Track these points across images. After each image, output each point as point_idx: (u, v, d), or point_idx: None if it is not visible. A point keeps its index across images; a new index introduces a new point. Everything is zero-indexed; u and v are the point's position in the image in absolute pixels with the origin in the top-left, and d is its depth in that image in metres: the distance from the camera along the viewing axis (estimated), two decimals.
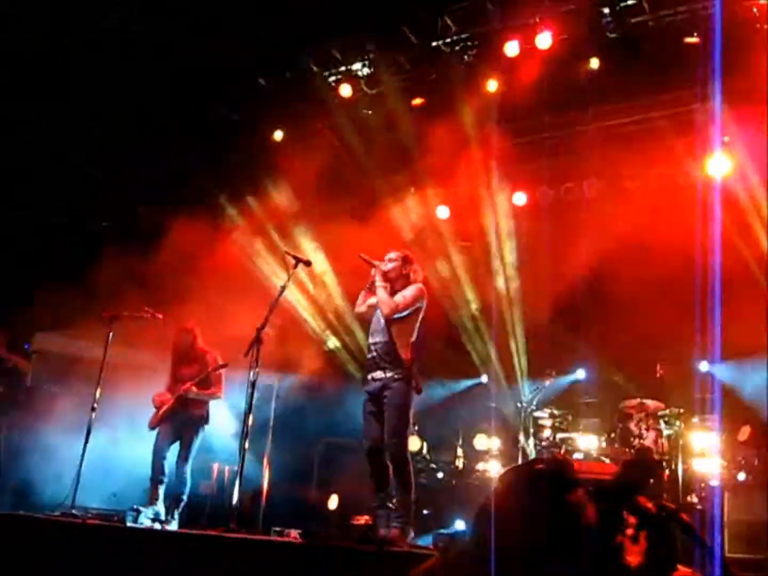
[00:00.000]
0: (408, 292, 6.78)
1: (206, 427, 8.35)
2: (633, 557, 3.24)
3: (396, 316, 6.64)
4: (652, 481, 6.75)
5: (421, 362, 6.86)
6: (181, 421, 8.18)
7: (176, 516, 7.93)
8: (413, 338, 6.77)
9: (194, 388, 8.15)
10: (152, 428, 8.25)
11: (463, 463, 10.99)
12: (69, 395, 9.75)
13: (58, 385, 10.18)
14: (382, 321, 6.73)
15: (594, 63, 10.36)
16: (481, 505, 2.48)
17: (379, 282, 6.80)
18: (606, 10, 9.90)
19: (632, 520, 3.49)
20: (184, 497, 8.05)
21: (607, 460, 9.30)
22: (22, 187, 11.60)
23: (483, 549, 2.35)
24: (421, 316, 6.83)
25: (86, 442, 7.84)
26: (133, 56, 10.88)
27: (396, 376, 6.54)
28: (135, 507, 7.60)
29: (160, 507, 7.89)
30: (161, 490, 7.98)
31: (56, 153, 11.76)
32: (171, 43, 10.87)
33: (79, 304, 9.91)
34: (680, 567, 4.11)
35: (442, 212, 12.49)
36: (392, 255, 7.05)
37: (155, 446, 8.11)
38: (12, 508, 8.01)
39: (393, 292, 6.80)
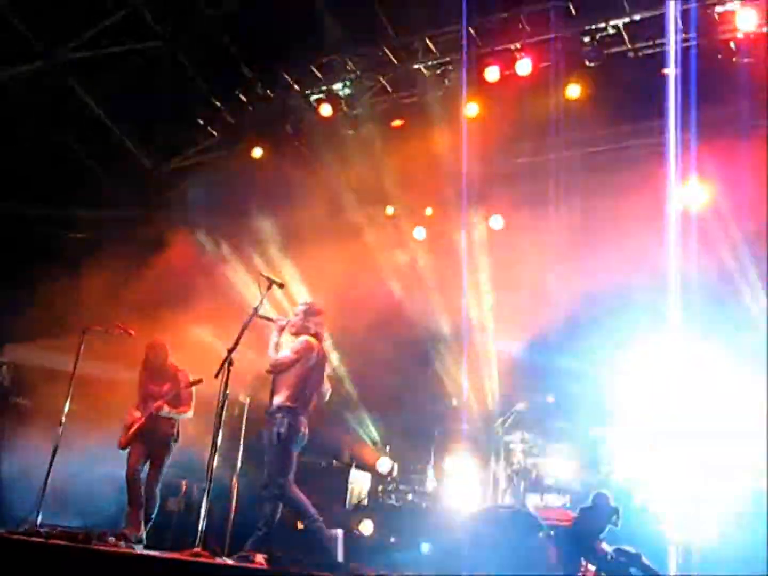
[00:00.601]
0: (294, 347, 7.19)
1: (175, 444, 8.28)
2: None
3: (278, 370, 7.12)
4: (615, 523, 6.85)
5: (303, 411, 7.17)
6: (151, 439, 8.11)
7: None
8: (293, 390, 7.07)
9: (166, 407, 8.09)
10: (122, 448, 8.15)
11: (434, 486, 10.97)
12: (39, 408, 9.65)
13: (28, 398, 10.08)
14: None
15: (573, 90, 10.43)
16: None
17: (273, 337, 7.31)
18: (586, 39, 10.00)
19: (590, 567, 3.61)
20: (152, 516, 7.98)
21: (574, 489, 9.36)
22: None
23: None
24: (306, 367, 7.16)
25: (53, 456, 7.77)
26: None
27: (270, 420, 7.03)
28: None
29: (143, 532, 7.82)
30: (141, 513, 7.88)
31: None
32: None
33: (52, 316, 9.85)
34: None
35: (419, 233, 12.54)
36: (297, 308, 7.51)
37: (129, 468, 8.01)
38: None
39: None
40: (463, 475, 10.80)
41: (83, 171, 12.87)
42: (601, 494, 7.18)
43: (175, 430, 8.24)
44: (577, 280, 10.42)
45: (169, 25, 12.12)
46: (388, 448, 11.67)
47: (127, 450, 8.13)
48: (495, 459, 10.46)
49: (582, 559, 6.12)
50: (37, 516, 7.48)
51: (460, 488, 10.66)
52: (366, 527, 9.94)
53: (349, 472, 11.00)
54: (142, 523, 7.85)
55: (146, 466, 8.11)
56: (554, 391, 10.77)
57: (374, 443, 11.94)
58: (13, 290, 11.00)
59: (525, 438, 10.30)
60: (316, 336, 7.35)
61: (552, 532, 5.80)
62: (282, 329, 7.32)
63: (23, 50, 11.82)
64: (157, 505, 8.04)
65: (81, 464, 8.87)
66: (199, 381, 8.25)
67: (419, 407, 11.84)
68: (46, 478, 7.65)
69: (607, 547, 6.34)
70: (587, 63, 10.09)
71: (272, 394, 7.12)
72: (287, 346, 7.27)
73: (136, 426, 8.12)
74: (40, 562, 5.76)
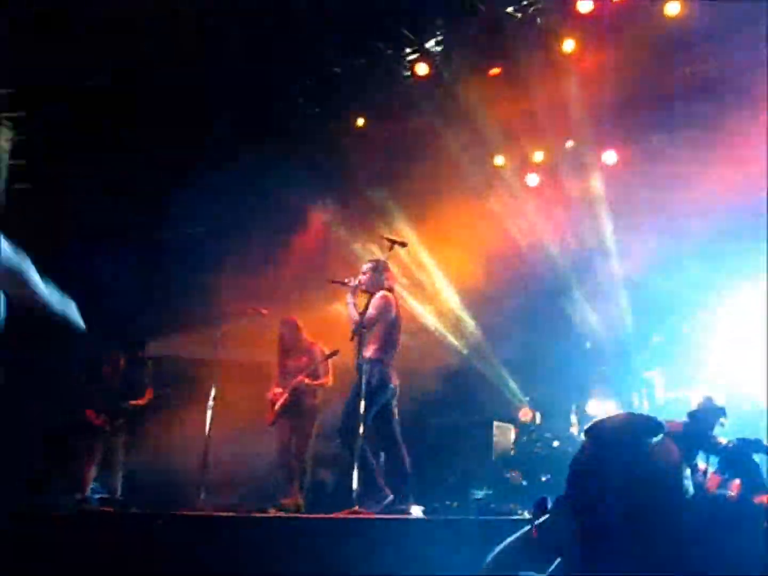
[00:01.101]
0: (374, 303, 7.27)
1: (320, 415, 8.49)
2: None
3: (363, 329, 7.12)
4: (722, 422, 6.82)
5: (391, 363, 7.44)
6: (296, 413, 8.34)
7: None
8: (380, 343, 7.25)
9: (306, 380, 8.29)
10: (271, 425, 8.43)
11: (578, 430, 10.86)
12: (187, 397, 10.04)
13: (174, 388, 10.48)
14: None
15: (673, 8, 10.01)
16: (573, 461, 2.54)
17: (348, 299, 7.39)
18: None
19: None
20: (305, 486, 8.22)
21: None
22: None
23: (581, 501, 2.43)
24: (389, 321, 7.33)
25: (207, 439, 8.08)
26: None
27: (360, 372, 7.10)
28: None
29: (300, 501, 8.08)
30: (296, 483, 8.14)
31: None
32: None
33: (186, 309, 10.20)
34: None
35: (531, 180, 12.37)
36: (364, 266, 7.60)
37: (280, 443, 8.29)
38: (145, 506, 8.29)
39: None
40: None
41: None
42: (706, 396, 7.31)
43: (318, 401, 8.45)
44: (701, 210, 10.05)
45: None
46: (528, 398, 11.62)
47: (275, 426, 8.40)
48: (637, 397, 10.27)
49: (700, 454, 6.13)
50: (200, 495, 7.81)
51: None
52: (515, 478, 9.98)
53: (491, 425, 11.01)
54: (298, 492, 8.10)
55: (294, 439, 8.35)
56: (689, 321, 10.50)
57: (514, 394, 11.90)
58: (149, 288, 11.48)
59: (665, 371, 10.08)
60: (390, 290, 7.36)
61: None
62: (355, 290, 7.41)
63: None
64: (308, 475, 8.28)
65: (234, 445, 9.18)
66: (335, 353, 8.41)
67: (554, 354, 11.71)
68: (204, 460, 7.97)
69: (723, 440, 6.32)
70: None
71: (359, 350, 7.19)
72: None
73: (280, 402, 8.36)
74: (211, 534, 6.03)
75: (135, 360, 10.51)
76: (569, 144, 11.95)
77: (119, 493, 9.43)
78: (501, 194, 12.32)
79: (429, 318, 12.44)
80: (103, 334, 10.58)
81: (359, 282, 7.43)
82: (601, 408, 10.68)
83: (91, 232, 11.61)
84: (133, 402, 9.70)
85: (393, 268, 7.70)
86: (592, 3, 10.12)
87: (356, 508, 6.36)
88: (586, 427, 2.57)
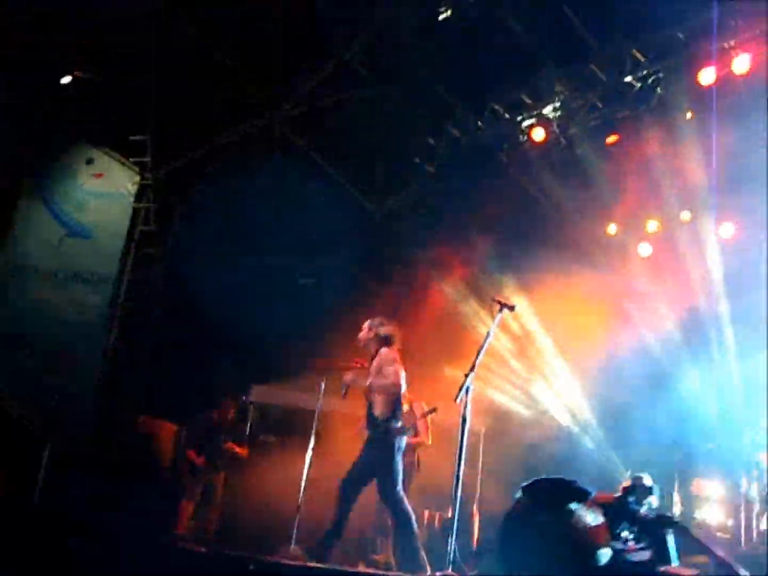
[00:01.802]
0: (390, 362, 7.43)
1: (417, 473, 8.46)
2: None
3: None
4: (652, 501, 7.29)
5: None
6: None
7: None
8: (396, 404, 7.42)
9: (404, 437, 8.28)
10: None
11: (681, 510, 10.48)
12: (285, 445, 10.18)
13: (276, 436, 10.63)
14: None
15: None
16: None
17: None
18: None
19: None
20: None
21: None
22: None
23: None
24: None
25: (303, 490, 8.15)
26: None
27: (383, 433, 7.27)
28: None
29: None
30: (391, 540, 8.14)
31: None
32: None
33: (293, 357, 10.38)
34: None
35: (644, 250, 12.22)
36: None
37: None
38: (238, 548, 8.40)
39: None
40: (711, 498, 10.26)
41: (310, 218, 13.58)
42: (637, 476, 7.72)
43: (416, 459, 8.43)
44: None
45: (378, 71, 12.66)
46: (629, 471, 11.31)
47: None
48: (747, 479, 9.87)
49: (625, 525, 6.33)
50: (291, 542, 7.87)
51: (710, 511, 10.13)
52: (604, 555, 9.68)
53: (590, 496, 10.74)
54: (391, 549, 8.07)
55: None
56: None
57: (616, 468, 11.60)
58: (257, 334, 11.75)
59: None
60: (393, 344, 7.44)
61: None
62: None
63: (249, 110, 12.76)
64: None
65: (331, 495, 9.20)
66: (434, 410, 8.41)
67: (660, 428, 11.40)
68: (298, 509, 8.03)
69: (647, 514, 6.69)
70: None
71: (372, 409, 7.29)
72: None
73: None
74: None
75: (244, 409, 10.75)
76: (685, 215, 11.76)
77: (214, 532, 9.59)
78: (614, 263, 12.20)
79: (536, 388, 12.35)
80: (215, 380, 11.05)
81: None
82: (706, 488, 10.31)
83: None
84: (233, 445, 9.90)
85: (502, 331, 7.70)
86: (714, 75, 10.02)
87: (449, 570, 6.31)
88: (523, 484, 2.67)
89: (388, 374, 7.20)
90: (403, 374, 7.29)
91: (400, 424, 7.23)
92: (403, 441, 7.19)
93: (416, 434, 8.42)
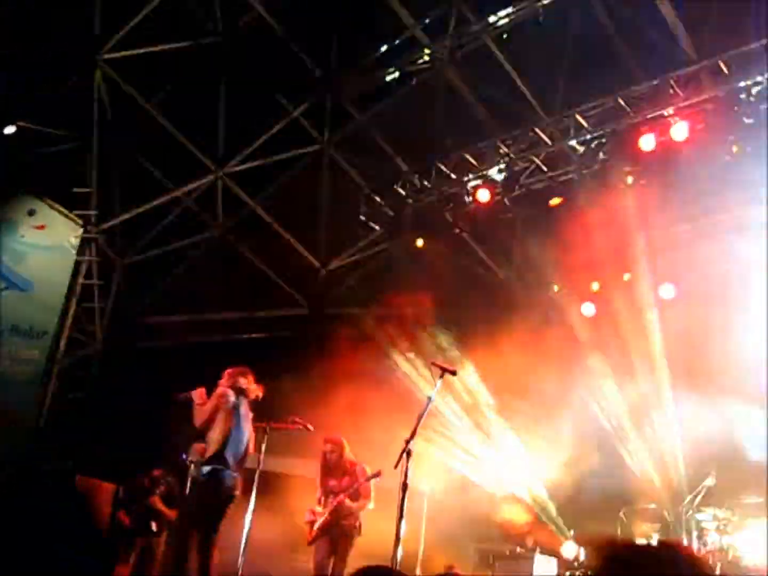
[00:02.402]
0: None
1: (358, 537, 8.33)
2: None
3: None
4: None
5: None
6: (335, 534, 8.21)
7: None
8: None
9: (347, 501, 8.19)
10: (310, 544, 8.30)
11: None
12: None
13: None
14: None
15: (733, 149, 10.13)
16: None
17: None
18: (742, 96, 9.73)
19: None
20: None
21: None
22: None
23: None
24: None
25: (244, 549, 7.97)
26: None
27: None
28: None
29: None
30: None
31: None
32: None
33: None
34: None
35: (587, 309, 12.36)
36: None
37: (316, 563, 8.15)
38: None
39: None
40: None
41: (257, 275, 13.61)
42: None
43: (358, 523, 8.31)
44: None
45: (324, 131, 12.82)
46: (572, 531, 11.32)
47: (314, 546, 8.26)
48: (687, 538, 9.92)
49: None
50: None
51: None
52: None
53: (533, 557, 10.70)
54: None
55: (334, 560, 8.19)
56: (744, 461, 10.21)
57: (557, 528, 11.60)
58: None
59: (717, 515, 9.73)
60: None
61: None
62: None
63: (196, 167, 12.79)
64: None
65: (271, 558, 9.05)
66: (378, 474, 8.31)
67: (602, 489, 11.44)
68: (238, 572, 7.85)
69: None
70: (745, 120, 9.79)
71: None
72: None
73: (320, 522, 8.24)
74: None
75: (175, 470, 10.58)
76: (626, 276, 11.96)
77: None
78: (555, 320, 12.33)
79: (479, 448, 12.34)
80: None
81: None
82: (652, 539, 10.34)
83: None
84: (158, 503, 9.64)
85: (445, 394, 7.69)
86: (654, 142, 10.27)
87: None
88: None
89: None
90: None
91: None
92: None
93: (359, 497, 8.30)
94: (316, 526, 8.25)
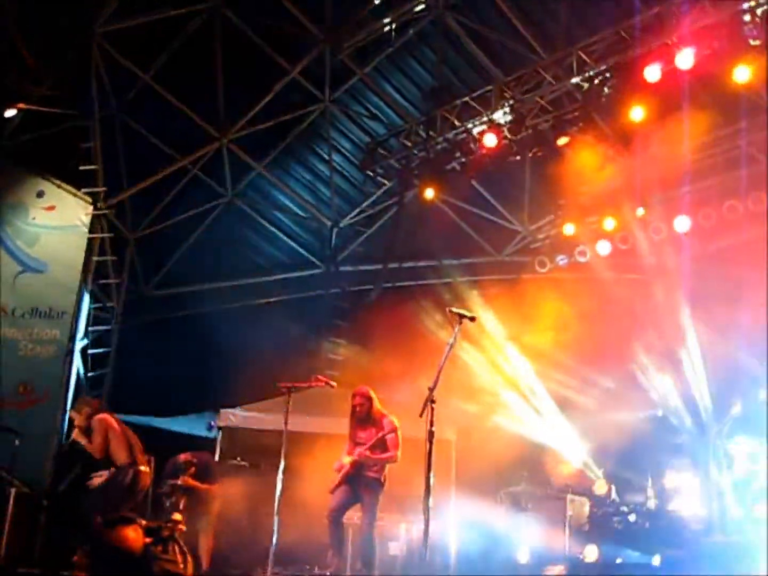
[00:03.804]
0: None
1: (381, 489, 8.34)
2: None
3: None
4: None
5: None
6: (357, 485, 8.24)
7: None
8: None
9: (368, 452, 8.21)
10: (331, 492, 8.36)
11: (655, 504, 10.50)
12: (256, 467, 10.10)
13: (245, 457, 10.50)
14: None
15: (742, 74, 9.92)
16: None
17: None
18: (747, 18, 9.52)
19: None
20: (375, 560, 8.08)
21: None
22: None
23: None
24: None
25: (277, 510, 8.06)
26: None
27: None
28: None
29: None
30: (341, 554, 8.07)
31: None
32: None
33: (257, 380, 10.31)
34: None
35: (602, 248, 12.30)
36: None
37: (329, 511, 8.19)
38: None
39: None
40: (685, 490, 10.31)
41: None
42: None
43: (382, 476, 8.32)
44: None
45: (325, 88, 12.72)
46: (602, 470, 11.35)
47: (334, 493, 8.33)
48: (717, 469, 9.92)
49: None
50: (268, 567, 7.79)
51: (684, 503, 10.18)
52: (590, 553, 9.69)
53: (566, 498, 10.75)
54: (345, 562, 7.99)
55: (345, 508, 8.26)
56: None
57: (588, 467, 11.63)
58: (222, 359, 11.69)
59: (746, 443, 9.71)
60: None
61: None
62: None
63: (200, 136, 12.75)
64: (375, 549, 8.12)
65: (303, 515, 9.12)
66: (393, 431, 8.32)
67: (629, 425, 11.46)
68: (273, 532, 7.94)
69: None
70: (751, 42, 9.57)
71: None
72: None
73: (343, 472, 8.29)
74: None
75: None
76: (640, 212, 11.87)
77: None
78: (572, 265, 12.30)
79: (505, 390, 12.34)
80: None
81: None
82: (678, 480, 10.35)
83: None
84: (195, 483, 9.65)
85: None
86: (659, 72, 10.08)
87: None
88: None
89: None
90: None
91: None
92: None
93: (385, 450, 8.32)
94: (340, 476, 8.30)
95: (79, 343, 11.87)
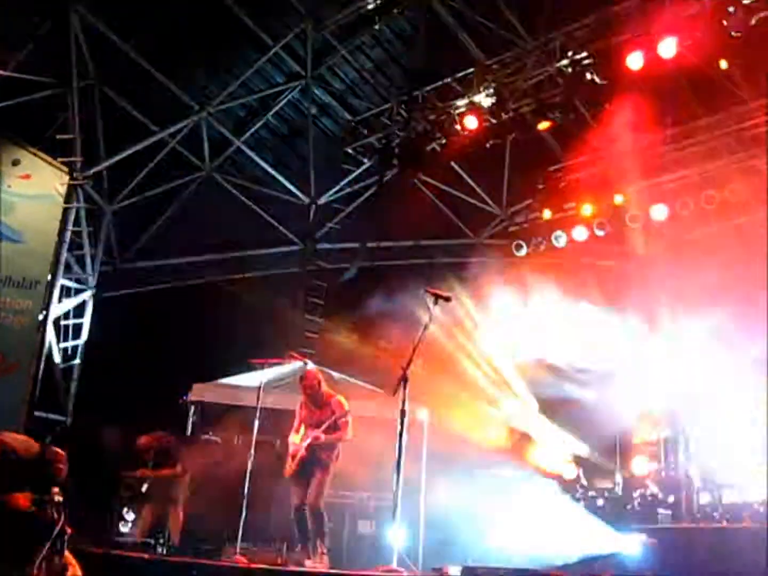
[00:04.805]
0: None
1: (334, 466, 8.37)
2: None
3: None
4: None
5: None
6: (311, 467, 8.26)
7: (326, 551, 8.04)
8: None
9: (322, 436, 8.24)
10: (289, 476, 8.38)
11: (623, 489, 10.64)
12: (227, 442, 10.10)
13: (216, 434, 10.50)
14: None
15: (722, 65, 9.98)
16: None
17: None
18: (730, 9, 9.54)
19: None
20: (325, 531, 8.13)
21: None
22: None
23: None
24: None
25: (249, 484, 8.09)
26: None
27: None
28: None
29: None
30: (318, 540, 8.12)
31: None
32: None
33: (229, 355, 10.30)
34: None
35: (579, 233, 12.36)
36: None
37: (294, 505, 8.24)
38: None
39: None
40: (652, 476, 10.46)
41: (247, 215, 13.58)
42: None
43: (335, 455, 8.34)
44: None
45: (307, 65, 12.67)
46: (571, 454, 11.48)
47: (291, 480, 8.35)
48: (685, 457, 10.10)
49: None
50: (237, 542, 7.84)
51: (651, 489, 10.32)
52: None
53: (534, 480, 10.84)
54: (322, 547, 8.03)
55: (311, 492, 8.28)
56: None
57: (559, 452, 11.74)
58: (197, 334, 11.67)
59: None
60: None
61: None
62: None
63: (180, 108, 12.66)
64: (325, 522, 8.17)
65: (272, 492, 9.16)
66: (344, 414, 8.38)
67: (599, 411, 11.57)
68: (243, 505, 7.98)
69: None
70: (732, 34, 9.59)
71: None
72: None
73: (297, 458, 8.29)
74: None
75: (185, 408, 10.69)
76: (618, 199, 11.91)
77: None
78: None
79: (480, 377, 12.41)
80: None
81: None
82: (645, 467, 10.51)
83: None
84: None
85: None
86: (642, 60, 10.09)
87: (391, 566, 6.31)
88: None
89: None
90: None
91: None
92: None
93: (336, 430, 8.35)
94: (295, 461, 8.32)
95: (53, 314, 11.79)
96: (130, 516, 9.32)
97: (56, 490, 5.67)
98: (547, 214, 12.63)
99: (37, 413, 11.17)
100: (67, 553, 5.35)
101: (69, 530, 5.31)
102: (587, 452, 11.44)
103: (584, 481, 10.93)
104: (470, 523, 10.53)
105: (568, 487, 10.91)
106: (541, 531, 9.99)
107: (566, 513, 10.41)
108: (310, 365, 9.72)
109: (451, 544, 10.16)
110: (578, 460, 11.27)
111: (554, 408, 12.09)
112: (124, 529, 9.26)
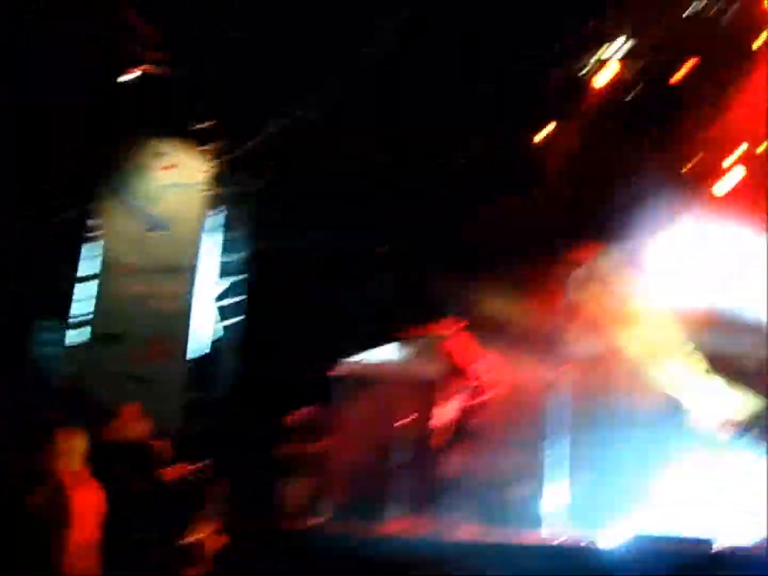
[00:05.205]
0: None
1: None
2: None
3: None
4: None
5: None
6: (459, 433, 8.29)
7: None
8: None
9: (467, 404, 8.25)
10: (436, 446, 8.44)
11: None
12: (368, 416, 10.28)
13: (357, 407, 10.69)
14: None
15: None
16: None
17: None
18: None
19: None
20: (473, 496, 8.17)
21: None
22: None
23: None
24: None
25: (397, 455, 8.22)
26: None
27: None
28: None
29: None
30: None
31: None
32: None
33: (369, 329, 10.45)
34: None
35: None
36: None
37: (440, 463, 8.30)
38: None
39: None
40: None
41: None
42: None
43: (480, 421, 8.34)
44: None
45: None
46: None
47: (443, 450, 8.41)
48: None
49: None
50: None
51: None
52: None
53: None
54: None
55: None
56: None
57: None
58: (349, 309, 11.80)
59: None
60: None
61: None
62: None
63: None
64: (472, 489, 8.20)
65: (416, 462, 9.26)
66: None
67: None
68: (391, 477, 8.13)
69: None
70: None
71: None
72: None
73: (444, 427, 8.34)
74: None
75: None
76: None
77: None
78: None
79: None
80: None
81: None
82: None
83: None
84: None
85: None
86: None
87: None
88: None
89: None
90: None
91: None
92: None
93: (483, 396, 8.32)
94: (443, 429, 8.36)
95: (203, 298, 12.29)
96: (288, 491, 9.71)
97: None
98: None
99: (193, 395, 11.71)
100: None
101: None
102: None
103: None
104: (627, 486, 10.31)
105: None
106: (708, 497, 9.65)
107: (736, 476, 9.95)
108: (453, 333, 9.71)
109: (607, 509, 10.00)
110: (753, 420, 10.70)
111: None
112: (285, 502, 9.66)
